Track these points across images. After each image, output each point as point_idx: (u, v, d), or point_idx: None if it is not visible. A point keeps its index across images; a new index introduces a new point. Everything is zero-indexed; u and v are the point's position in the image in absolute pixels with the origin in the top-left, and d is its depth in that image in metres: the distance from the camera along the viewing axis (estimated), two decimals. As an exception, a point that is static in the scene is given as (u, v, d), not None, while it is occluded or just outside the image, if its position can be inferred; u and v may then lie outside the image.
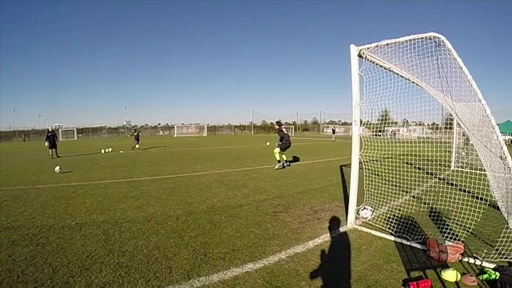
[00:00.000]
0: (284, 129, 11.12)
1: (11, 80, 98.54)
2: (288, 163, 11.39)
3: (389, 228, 4.28)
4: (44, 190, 7.12)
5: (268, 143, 11.73)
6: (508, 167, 3.16)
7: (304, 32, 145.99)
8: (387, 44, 4.11)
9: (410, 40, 3.83)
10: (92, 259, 3.30)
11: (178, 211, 5.21)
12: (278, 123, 11.53)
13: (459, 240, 3.69)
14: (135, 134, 22.30)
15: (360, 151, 4.51)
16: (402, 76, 4.74)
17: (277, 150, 10.58)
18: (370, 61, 4.49)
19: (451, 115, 6.84)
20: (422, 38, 3.71)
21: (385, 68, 4.61)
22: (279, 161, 10.54)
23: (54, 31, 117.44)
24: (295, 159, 12.94)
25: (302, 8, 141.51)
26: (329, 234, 4.21)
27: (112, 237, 3.99)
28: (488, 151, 4.16)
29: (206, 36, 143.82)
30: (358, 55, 4.45)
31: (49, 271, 3.04)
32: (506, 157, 3.14)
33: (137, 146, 21.50)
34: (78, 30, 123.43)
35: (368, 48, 4.30)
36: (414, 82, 4.89)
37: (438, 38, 3.55)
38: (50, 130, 16.87)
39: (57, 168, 10.06)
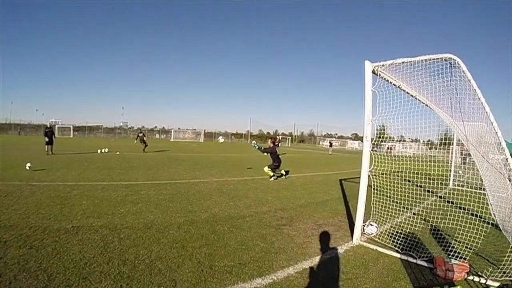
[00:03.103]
0: (277, 149, 10.92)
1: (10, 72, 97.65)
2: (284, 175, 11.31)
3: (394, 245, 4.26)
4: (39, 188, 6.92)
5: (252, 142, 11.56)
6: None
7: (306, 42, 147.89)
8: (402, 62, 4.11)
9: (425, 60, 3.83)
10: (91, 267, 3.13)
11: (179, 219, 5.06)
12: (273, 140, 11.30)
13: (464, 258, 3.73)
14: (140, 135, 21.55)
15: (370, 168, 4.46)
16: (412, 95, 4.74)
17: (267, 169, 10.49)
18: (383, 78, 4.47)
19: (446, 133, 6.87)
20: (437, 58, 3.71)
21: (397, 86, 4.60)
22: (273, 175, 10.46)
23: (55, 28, 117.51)
24: (285, 172, 12.03)
25: (303, 21, 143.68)
26: (335, 250, 4.14)
27: (111, 243, 3.82)
28: (489, 171, 4.17)
29: (207, 42, 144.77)
30: (372, 71, 4.42)
31: (44, 278, 2.85)
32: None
33: (144, 149, 20.52)
34: (80, 28, 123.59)
35: (383, 66, 4.28)
36: (423, 102, 4.88)
37: (453, 59, 3.55)
38: (48, 126, 16.68)
39: (28, 165, 9.75)
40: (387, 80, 4.51)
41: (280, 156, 10.97)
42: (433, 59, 3.74)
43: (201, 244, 3.98)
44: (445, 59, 3.64)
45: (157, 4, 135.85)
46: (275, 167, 10.57)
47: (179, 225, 4.71)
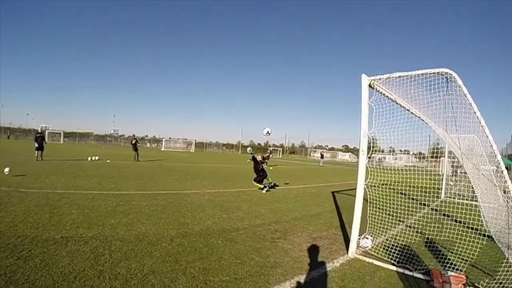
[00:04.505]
0: (262, 165, 11.03)
1: (1, 75, 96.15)
2: (272, 184, 11.44)
3: (390, 258, 4.24)
4: (28, 195, 6.71)
5: (248, 161, 11.75)
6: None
7: (298, 54, 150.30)
8: (399, 76, 4.16)
9: (422, 74, 3.90)
10: (81, 281, 2.99)
11: (172, 231, 4.91)
12: (262, 159, 11.24)
13: (461, 270, 3.76)
14: (133, 143, 21.13)
15: (365, 181, 4.46)
16: (408, 109, 4.79)
17: (255, 183, 10.55)
18: (379, 92, 4.51)
19: (437, 145, 6.99)
20: (434, 73, 3.78)
21: (393, 100, 4.65)
22: (264, 186, 10.48)
23: (48, 32, 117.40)
24: (275, 185, 12.03)
25: (296, 32, 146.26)
26: (331, 264, 4.07)
27: (102, 256, 3.66)
28: (481, 182, 4.22)
29: (199, 52, 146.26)
30: (368, 85, 4.46)
31: (31, 291, 2.71)
32: (510, 191, 3.23)
33: (137, 157, 20.29)
34: (73, 33, 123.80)
35: (379, 79, 4.33)
36: (418, 116, 4.94)
37: (450, 74, 3.62)
38: (39, 131, 16.40)
39: (6, 169, 9.46)
40: (384, 94, 4.56)
41: (263, 168, 11.01)
42: (429, 73, 3.81)
43: (195, 257, 3.86)
44: (441, 74, 3.71)
45: (151, 10, 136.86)
46: (260, 179, 10.66)
47: (171, 238, 4.58)
